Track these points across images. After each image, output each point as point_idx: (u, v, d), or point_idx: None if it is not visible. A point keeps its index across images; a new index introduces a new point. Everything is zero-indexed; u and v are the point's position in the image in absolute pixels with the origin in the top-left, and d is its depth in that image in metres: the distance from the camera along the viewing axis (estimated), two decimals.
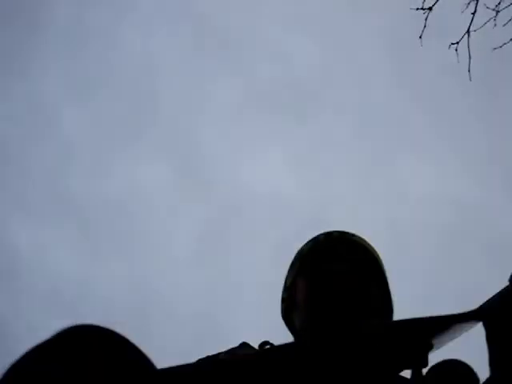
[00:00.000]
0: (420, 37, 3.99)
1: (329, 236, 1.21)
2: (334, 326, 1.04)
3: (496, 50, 3.95)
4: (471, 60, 3.98)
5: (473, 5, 3.92)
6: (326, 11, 5.21)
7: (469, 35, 3.99)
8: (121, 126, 5.72)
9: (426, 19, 3.96)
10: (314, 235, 1.26)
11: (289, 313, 1.18)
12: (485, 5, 3.94)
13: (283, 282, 1.24)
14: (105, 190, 5.79)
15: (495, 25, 3.96)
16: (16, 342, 4.87)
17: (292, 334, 1.18)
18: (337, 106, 5.58)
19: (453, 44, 3.99)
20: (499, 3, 3.92)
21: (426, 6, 3.97)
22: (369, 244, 1.24)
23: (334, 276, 1.09)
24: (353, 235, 1.23)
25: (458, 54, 3.98)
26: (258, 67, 5.75)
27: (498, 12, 3.92)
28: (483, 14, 3.93)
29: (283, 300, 1.22)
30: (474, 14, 3.95)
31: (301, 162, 5.35)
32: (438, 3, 3.97)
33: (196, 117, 5.76)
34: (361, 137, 5.56)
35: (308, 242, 1.24)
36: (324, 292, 1.08)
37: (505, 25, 3.91)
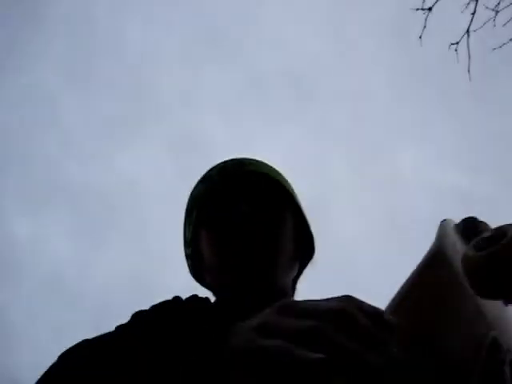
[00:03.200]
0: (420, 37, 4.00)
1: (223, 171, 1.03)
2: (249, 281, 0.90)
3: (496, 50, 3.96)
4: (471, 60, 3.99)
5: (472, 5, 3.94)
6: (324, 6, 5.24)
7: (468, 35, 4.00)
8: (120, 114, 5.72)
9: (426, 19, 3.98)
10: (207, 170, 1.09)
11: (197, 270, 1.04)
12: (484, 5, 3.95)
13: (182, 234, 1.07)
14: (104, 178, 5.79)
15: (495, 25, 3.97)
16: (16, 330, 4.86)
17: (208, 290, 1.03)
18: (335, 94, 5.59)
19: (453, 44, 4.01)
20: (499, 3, 3.93)
21: (426, 6, 3.99)
22: (271, 170, 1.07)
23: (238, 224, 0.93)
24: (250, 163, 1.06)
25: (457, 54, 3.99)
26: (258, 56, 5.77)
27: (497, 12, 3.93)
28: (483, 14, 3.95)
29: (187, 256, 1.06)
30: (473, 14, 3.96)
31: (300, 150, 5.35)
32: (437, 3, 3.99)
33: (196, 106, 5.76)
34: (359, 125, 5.57)
35: (200, 182, 1.06)
36: (230, 245, 0.92)
37: (504, 25, 3.92)
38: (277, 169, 1.09)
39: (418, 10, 3.94)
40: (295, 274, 1.02)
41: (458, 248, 0.56)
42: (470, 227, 0.59)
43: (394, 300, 0.47)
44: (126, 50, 5.77)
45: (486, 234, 0.52)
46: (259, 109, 5.47)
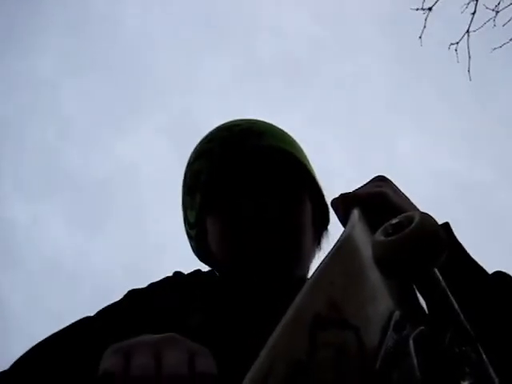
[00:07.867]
0: (420, 37, 4.01)
1: (225, 145, 0.86)
2: (267, 279, 0.81)
3: (496, 50, 3.98)
4: (471, 60, 4.01)
5: (472, 5, 3.95)
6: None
7: (469, 35, 4.01)
8: (118, 101, 5.71)
9: (425, 19, 3.99)
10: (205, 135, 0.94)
11: (202, 251, 0.92)
12: (484, 5, 3.96)
13: (182, 212, 0.94)
14: (103, 164, 5.80)
15: (495, 25, 3.98)
16: (14, 316, 4.88)
17: (216, 271, 0.93)
18: (334, 81, 5.59)
19: (453, 44, 4.02)
20: (499, 3, 3.95)
21: (426, 6, 4.00)
22: (283, 140, 0.90)
23: (251, 218, 0.81)
24: (259, 133, 0.87)
25: (457, 54, 4.01)
26: (257, 42, 5.76)
27: (497, 12, 3.94)
28: (483, 14, 3.96)
29: (191, 237, 0.94)
30: (473, 14, 3.98)
31: (297, 136, 5.38)
32: (437, 3, 4.00)
33: (195, 91, 5.76)
34: (359, 113, 5.57)
35: (200, 156, 0.90)
36: (244, 242, 0.81)
37: (504, 25, 3.94)
38: (289, 136, 0.93)
39: (417, 9, 3.95)
40: (315, 257, 0.92)
41: (366, 235, 0.58)
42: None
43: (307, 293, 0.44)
44: (125, 35, 5.77)
45: (394, 221, 0.54)
46: (258, 94, 5.47)
